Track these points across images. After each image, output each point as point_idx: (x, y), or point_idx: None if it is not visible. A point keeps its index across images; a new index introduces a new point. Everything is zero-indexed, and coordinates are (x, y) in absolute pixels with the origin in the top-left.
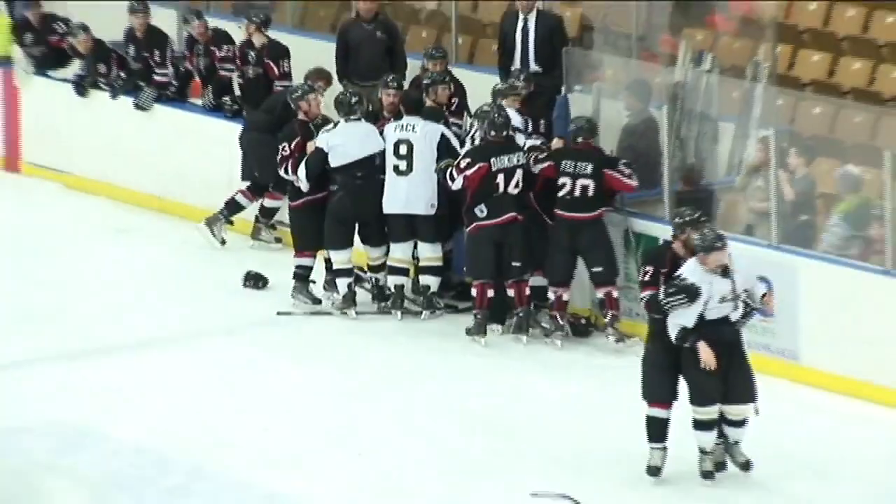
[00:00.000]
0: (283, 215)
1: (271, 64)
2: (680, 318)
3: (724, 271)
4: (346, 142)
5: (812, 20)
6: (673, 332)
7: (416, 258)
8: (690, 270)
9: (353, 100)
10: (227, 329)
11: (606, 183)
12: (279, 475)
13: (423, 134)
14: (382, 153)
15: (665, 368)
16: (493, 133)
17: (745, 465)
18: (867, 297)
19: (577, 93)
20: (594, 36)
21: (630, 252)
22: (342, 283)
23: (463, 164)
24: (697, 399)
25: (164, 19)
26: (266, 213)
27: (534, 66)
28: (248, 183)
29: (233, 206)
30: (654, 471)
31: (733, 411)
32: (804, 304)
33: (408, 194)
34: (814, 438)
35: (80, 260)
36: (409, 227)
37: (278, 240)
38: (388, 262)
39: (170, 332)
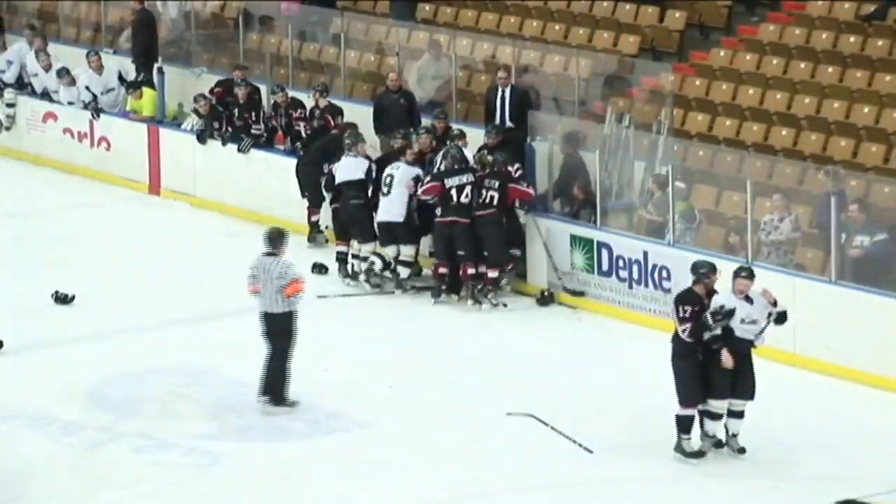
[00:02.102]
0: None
1: (330, 119)
2: (713, 330)
3: (747, 297)
4: (343, 168)
5: (698, 92)
6: (706, 336)
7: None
8: (726, 297)
9: (348, 142)
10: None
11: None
12: (336, 399)
13: (402, 172)
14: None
15: (697, 379)
16: (452, 164)
17: (742, 451)
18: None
19: (539, 142)
20: (550, 102)
21: (574, 248)
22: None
23: (424, 181)
24: (716, 393)
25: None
26: (314, 224)
27: (509, 123)
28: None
29: (313, 224)
30: (698, 454)
31: (736, 403)
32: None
33: (387, 208)
34: None
35: (201, 254)
36: (391, 233)
37: (326, 240)
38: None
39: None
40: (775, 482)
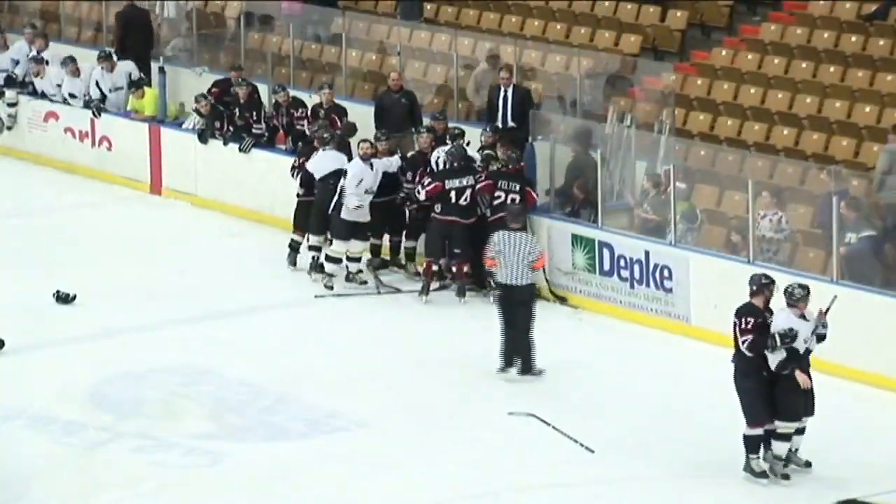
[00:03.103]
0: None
1: (336, 118)
2: (778, 354)
3: (803, 316)
4: (319, 161)
5: (699, 91)
6: (773, 364)
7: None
8: (785, 318)
9: (326, 136)
10: (300, 301)
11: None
12: (335, 399)
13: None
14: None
15: (764, 398)
16: (452, 164)
17: (808, 464)
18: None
19: (540, 141)
20: (551, 102)
21: (575, 248)
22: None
23: (425, 183)
24: (788, 416)
25: (259, 91)
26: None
27: (510, 123)
28: None
29: None
30: (764, 474)
31: (803, 420)
32: (694, 283)
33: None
34: None
35: (203, 254)
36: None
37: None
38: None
39: (260, 302)
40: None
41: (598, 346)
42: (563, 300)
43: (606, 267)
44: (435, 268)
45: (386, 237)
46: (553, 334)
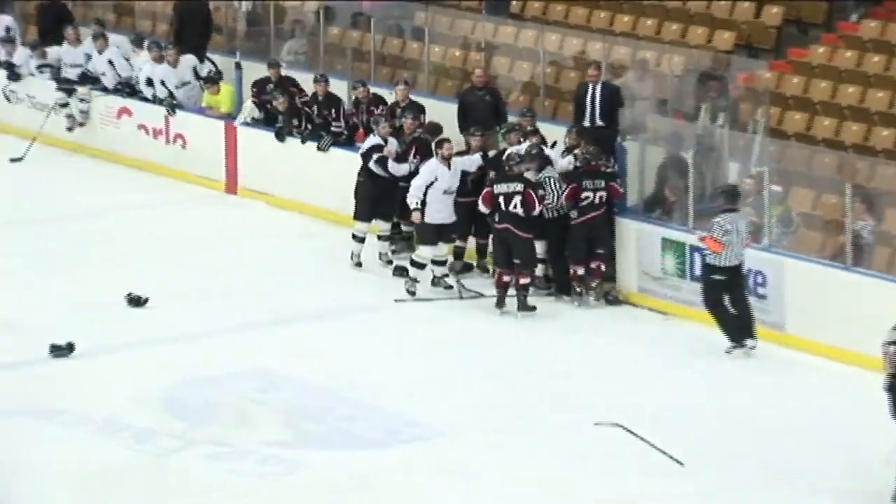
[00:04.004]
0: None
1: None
2: None
3: None
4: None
5: (795, 90)
6: None
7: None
8: None
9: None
10: (379, 305)
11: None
12: (413, 406)
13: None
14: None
15: None
16: (510, 165)
17: None
18: (833, 285)
19: (630, 141)
20: (643, 102)
21: (666, 252)
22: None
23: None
24: None
25: (338, 87)
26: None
27: (599, 122)
28: None
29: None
30: None
31: None
32: (789, 289)
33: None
34: None
35: (280, 256)
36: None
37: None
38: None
39: (338, 306)
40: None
41: (688, 354)
42: (615, 301)
43: (698, 272)
44: (506, 278)
45: (471, 239)
46: (638, 340)
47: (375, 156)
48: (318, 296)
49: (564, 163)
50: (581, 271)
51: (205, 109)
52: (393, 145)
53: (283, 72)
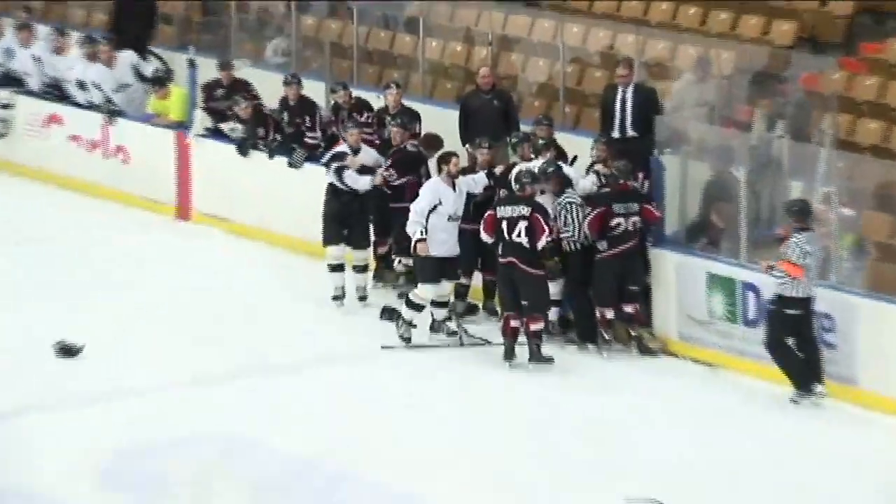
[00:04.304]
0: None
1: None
2: None
3: None
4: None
5: (869, 93)
6: None
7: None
8: None
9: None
10: (363, 353)
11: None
12: (412, 476)
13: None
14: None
15: None
16: (517, 187)
17: None
18: None
19: (668, 154)
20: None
21: (712, 290)
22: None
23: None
24: None
25: (314, 90)
26: (381, 258)
27: (630, 132)
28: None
29: (380, 257)
30: None
31: None
32: (863, 336)
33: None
34: None
35: (244, 296)
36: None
37: (399, 277)
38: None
39: (315, 355)
40: None
41: (739, 413)
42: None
43: (751, 314)
44: (515, 324)
45: (477, 275)
46: (679, 396)
47: (335, 165)
48: (291, 343)
49: (587, 183)
50: (610, 315)
51: (151, 116)
52: (370, 157)
53: (260, 75)
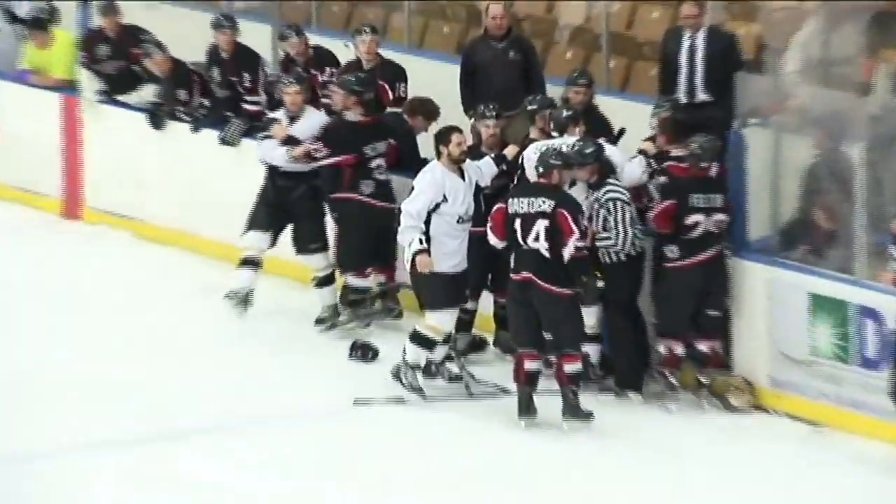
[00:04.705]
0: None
1: (386, 87)
2: None
3: None
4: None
5: None
6: None
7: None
8: None
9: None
10: (331, 408)
11: None
12: None
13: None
14: None
15: None
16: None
17: None
18: None
19: (754, 127)
20: (775, 58)
21: (816, 318)
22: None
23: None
24: None
25: (256, 36)
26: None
27: (702, 95)
28: None
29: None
30: None
31: None
32: None
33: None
34: None
35: (155, 325)
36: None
37: (373, 304)
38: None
39: (265, 411)
40: None
41: (855, 491)
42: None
43: (871, 352)
44: (532, 366)
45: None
46: (773, 471)
47: (260, 135)
48: (221, 394)
49: (635, 170)
50: (679, 350)
51: (26, 74)
52: (313, 123)
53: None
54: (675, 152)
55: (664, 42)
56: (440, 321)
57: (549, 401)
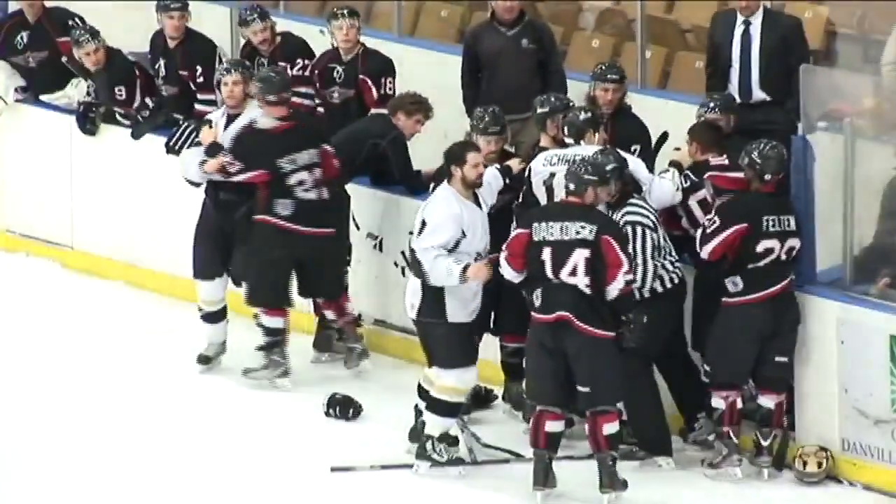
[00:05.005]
0: None
1: (369, 82)
2: None
3: None
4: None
5: None
6: None
7: None
8: None
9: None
10: (305, 478)
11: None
12: None
13: None
14: None
15: None
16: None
17: None
18: None
19: (822, 131)
20: (848, 48)
21: None
22: None
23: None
24: None
25: (212, 22)
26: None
27: (758, 93)
28: None
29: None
30: None
31: None
32: None
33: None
34: None
35: (89, 377)
36: None
37: (361, 350)
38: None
39: (227, 479)
40: None
41: None
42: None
43: None
44: (554, 426)
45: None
46: None
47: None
48: (176, 459)
49: (666, 188)
50: (739, 404)
51: None
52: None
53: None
54: (714, 161)
55: (712, 28)
56: (460, 380)
57: (565, 466)
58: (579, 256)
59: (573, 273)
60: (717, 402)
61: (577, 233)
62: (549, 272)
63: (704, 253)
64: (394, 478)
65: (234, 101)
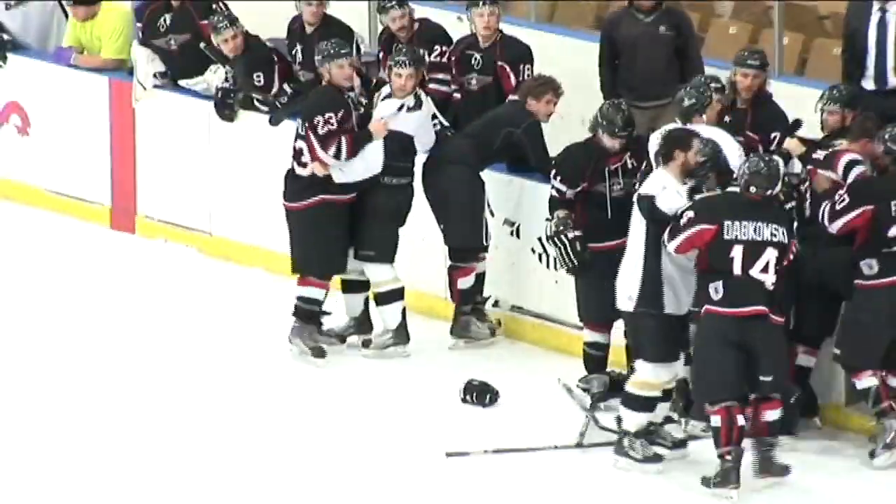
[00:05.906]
0: None
1: (508, 70)
2: None
3: None
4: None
5: None
6: None
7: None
8: None
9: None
10: (419, 462)
11: None
12: None
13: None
14: None
15: None
16: (751, 183)
17: None
18: None
19: None
20: None
21: None
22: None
23: (683, 220)
24: None
25: (350, 7)
26: (467, 294)
27: (893, 80)
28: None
29: (466, 293)
30: None
31: None
32: None
33: None
34: None
35: (228, 363)
36: None
37: (492, 329)
38: None
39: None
40: None
41: None
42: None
43: None
44: (744, 420)
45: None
46: None
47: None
48: (324, 442)
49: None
50: (874, 381)
51: (67, 53)
52: (412, 119)
53: None
54: (815, 154)
55: (848, 15)
56: (656, 375)
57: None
58: (770, 255)
59: (764, 270)
60: (861, 381)
61: (772, 235)
62: (737, 269)
63: (833, 228)
64: (520, 459)
65: (404, 92)
